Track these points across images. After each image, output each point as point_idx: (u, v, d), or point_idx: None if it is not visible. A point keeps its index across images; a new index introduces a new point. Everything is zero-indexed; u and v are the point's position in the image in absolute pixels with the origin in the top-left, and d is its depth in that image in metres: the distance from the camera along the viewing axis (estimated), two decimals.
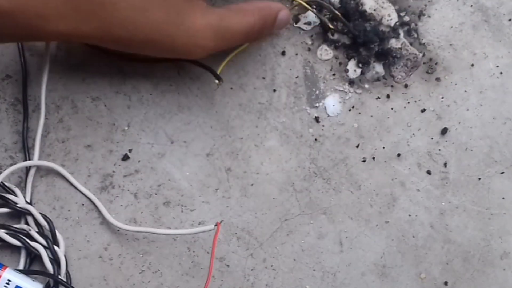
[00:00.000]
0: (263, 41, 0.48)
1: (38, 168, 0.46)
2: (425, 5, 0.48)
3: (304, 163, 0.47)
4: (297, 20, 0.48)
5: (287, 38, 0.48)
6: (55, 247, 0.44)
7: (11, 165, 0.45)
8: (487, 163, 0.47)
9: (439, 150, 0.47)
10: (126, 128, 0.47)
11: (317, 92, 0.47)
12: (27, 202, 0.44)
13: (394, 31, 0.48)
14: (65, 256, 0.44)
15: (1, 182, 0.45)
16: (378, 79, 0.48)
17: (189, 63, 0.47)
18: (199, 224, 0.46)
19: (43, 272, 0.43)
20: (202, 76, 0.47)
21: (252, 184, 0.46)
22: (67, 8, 0.37)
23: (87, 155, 0.46)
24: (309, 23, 0.48)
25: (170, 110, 0.47)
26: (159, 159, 0.46)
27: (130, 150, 0.46)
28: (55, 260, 0.43)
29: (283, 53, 0.48)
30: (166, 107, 0.47)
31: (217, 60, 0.46)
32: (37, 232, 0.44)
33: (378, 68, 0.48)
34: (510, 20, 0.49)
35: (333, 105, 0.47)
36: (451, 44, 0.48)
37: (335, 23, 0.48)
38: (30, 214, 0.44)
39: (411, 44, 0.48)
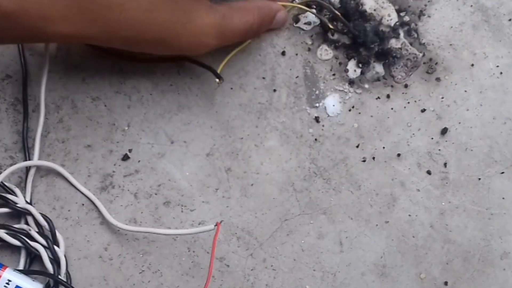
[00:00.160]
0: (262, 40, 0.48)
1: (38, 168, 0.46)
2: (425, 5, 0.48)
3: (304, 163, 0.47)
4: (297, 20, 0.48)
5: (287, 38, 0.48)
6: (55, 247, 0.44)
7: (11, 165, 0.45)
8: (487, 163, 0.47)
9: (439, 150, 0.47)
10: (126, 128, 0.47)
11: (317, 92, 0.47)
12: (27, 202, 0.44)
13: (394, 31, 0.48)
14: (65, 256, 0.44)
15: (1, 182, 0.45)
16: (378, 79, 0.48)
17: (189, 63, 0.47)
18: (199, 224, 0.46)
19: (43, 272, 0.43)
20: (202, 75, 0.47)
21: (252, 184, 0.46)
22: (72, 10, 0.36)
23: (87, 155, 0.46)
24: (309, 23, 0.48)
25: (170, 110, 0.47)
26: (159, 159, 0.46)
27: (130, 150, 0.46)
28: (55, 260, 0.43)
29: (283, 53, 0.48)
30: (166, 107, 0.47)
31: (217, 59, 0.46)
32: (37, 232, 0.44)
33: (378, 68, 0.48)
34: (510, 20, 0.49)
35: (333, 105, 0.47)
36: (451, 44, 0.48)
37: (335, 23, 0.48)
38: (30, 214, 0.44)
39: (411, 44, 0.48)
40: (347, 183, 0.46)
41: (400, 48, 0.48)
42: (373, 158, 0.47)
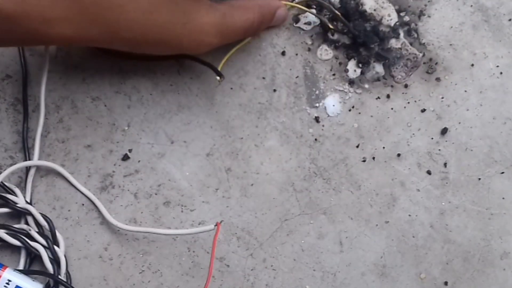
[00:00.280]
0: (262, 40, 0.48)
1: (38, 168, 0.46)
2: (425, 5, 0.48)
3: (304, 163, 0.47)
4: (297, 20, 0.48)
5: (287, 38, 0.48)
6: (55, 247, 0.44)
7: (11, 165, 0.45)
8: (487, 163, 0.47)
9: (439, 150, 0.47)
10: (126, 128, 0.47)
11: (317, 92, 0.47)
12: (27, 202, 0.44)
13: (394, 31, 0.48)
14: (65, 256, 0.44)
15: (1, 182, 0.45)
16: (378, 79, 0.48)
17: (189, 60, 0.47)
18: (199, 224, 0.46)
19: (43, 272, 0.43)
20: (202, 75, 0.47)
21: (252, 184, 0.46)
22: (73, 12, 0.36)
23: (87, 155, 0.46)
24: (309, 23, 0.48)
25: (170, 110, 0.47)
26: (159, 159, 0.46)
27: (130, 150, 0.46)
28: (55, 260, 0.43)
29: (283, 53, 0.48)
30: (166, 107, 0.47)
31: (218, 57, 0.46)
32: (37, 232, 0.44)
33: (378, 68, 0.48)
34: (510, 20, 0.49)
35: (333, 105, 0.47)
36: (451, 44, 0.48)
37: (335, 23, 0.48)
38: (30, 214, 0.44)
39: (411, 44, 0.48)
40: (347, 183, 0.46)
41: (400, 48, 0.48)
42: (373, 158, 0.47)
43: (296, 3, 0.47)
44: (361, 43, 0.47)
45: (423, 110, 0.47)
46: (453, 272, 0.46)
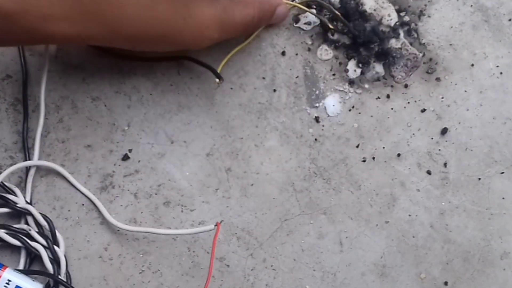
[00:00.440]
0: (262, 40, 0.48)
1: (38, 168, 0.46)
2: (425, 5, 0.48)
3: (304, 163, 0.47)
4: (297, 20, 0.48)
5: (287, 38, 0.48)
6: (55, 247, 0.44)
7: (11, 165, 0.45)
8: (487, 163, 0.47)
9: (439, 150, 0.47)
10: (126, 128, 0.47)
11: (317, 92, 0.47)
12: (27, 202, 0.44)
13: (394, 31, 0.48)
14: (65, 256, 0.44)
15: (1, 182, 0.45)
16: (378, 79, 0.48)
17: (190, 62, 0.47)
18: (199, 224, 0.46)
19: (43, 272, 0.43)
20: (202, 75, 0.47)
21: (252, 184, 0.46)
22: (73, 9, 0.36)
23: (87, 155, 0.46)
24: (309, 23, 0.48)
25: (170, 110, 0.47)
26: (159, 159, 0.46)
27: (130, 150, 0.46)
28: (55, 260, 0.43)
29: (283, 53, 0.48)
30: (166, 107, 0.47)
31: (217, 59, 0.46)
32: (37, 232, 0.44)
33: (378, 68, 0.48)
34: (510, 20, 0.49)
35: (333, 105, 0.47)
36: (451, 44, 0.48)
37: (335, 23, 0.48)
38: (30, 214, 0.44)
39: (411, 44, 0.48)
40: (347, 183, 0.46)
41: (400, 48, 0.48)
42: (373, 158, 0.47)
43: (297, 3, 0.47)
44: (361, 43, 0.47)
45: (423, 110, 0.47)
46: (453, 272, 0.46)
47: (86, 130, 0.46)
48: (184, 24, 0.40)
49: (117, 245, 0.45)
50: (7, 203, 0.44)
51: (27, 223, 0.45)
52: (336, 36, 0.48)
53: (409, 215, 0.46)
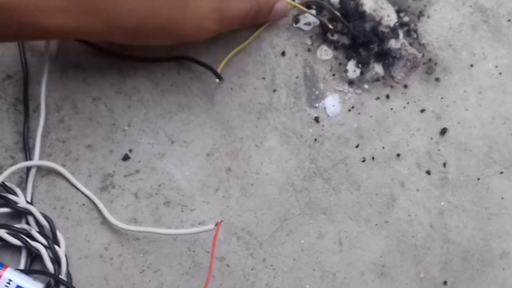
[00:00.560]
0: (262, 41, 0.48)
1: (39, 168, 0.46)
2: (425, 6, 0.49)
3: (304, 163, 0.47)
4: (297, 20, 0.48)
5: (287, 39, 0.48)
6: (56, 247, 0.44)
7: (12, 165, 0.45)
8: (486, 163, 0.47)
9: (439, 150, 0.47)
10: (127, 128, 0.47)
11: (317, 92, 0.47)
12: (27, 202, 0.44)
13: (393, 31, 0.48)
14: (65, 255, 0.44)
15: (2, 182, 0.45)
16: (377, 80, 0.48)
17: (190, 62, 0.47)
18: (199, 224, 0.46)
19: (44, 272, 0.43)
20: (202, 76, 0.47)
21: (252, 184, 0.46)
22: (69, 2, 0.36)
23: (88, 155, 0.46)
24: (309, 24, 0.48)
25: (170, 110, 0.47)
26: (159, 159, 0.46)
27: (130, 150, 0.46)
28: (55, 260, 0.43)
29: (283, 54, 0.48)
30: (166, 107, 0.47)
31: (217, 59, 0.46)
32: (37, 232, 0.44)
33: (378, 68, 0.48)
34: (509, 20, 0.49)
35: (333, 105, 0.47)
36: (450, 45, 0.48)
37: (334, 23, 0.48)
38: (31, 214, 0.44)
39: (410, 44, 0.48)
40: (347, 183, 0.46)
41: (400, 49, 0.48)
42: (373, 158, 0.47)
43: (297, 3, 0.47)
44: (361, 43, 0.47)
45: (423, 110, 0.47)
46: (452, 271, 0.46)
47: (86, 130, 0.46)
48: (182, 16, 0.40)
49: (118, 245, 0.45)
50: (8, 203, 0.44)
51: (27, 223, 0.45)
52: (335, 37, 0.48)
53: (409, 215, 0.46)
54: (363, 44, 0.47)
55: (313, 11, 0.48)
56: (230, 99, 0.47)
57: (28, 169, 0.45)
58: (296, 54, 0.48)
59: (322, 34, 0.48)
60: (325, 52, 0.48)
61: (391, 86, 0.48)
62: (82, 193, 0.46)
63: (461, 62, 0.48)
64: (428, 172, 0.47)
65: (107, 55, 0.47)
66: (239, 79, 0.47)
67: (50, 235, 0.44)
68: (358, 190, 0.46)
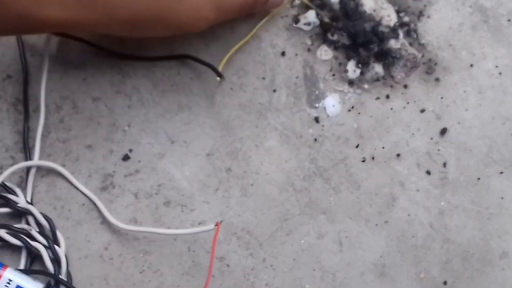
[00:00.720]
0: (262, 41, 0.48)
1: (39, 168, 0.46)
2: (425, 6, 0.49)
3: (304, 163, 0.47)
4: (296, 20, 0.48)
5: (287, 39, 0.48)
6: (56, 247, 0.44)
7: (12, 165, 0.45)
8: (486, 163, 0.47)
9: (439, 150, 0.47)
10: (127, 128, 0.47)
11: (316, 92, 0.47)
12: (28, 202, 0.44)
13: (393, 31, 0.48)
14: (65, 255, 0.44)
15: (2, 182, 0.45)
16: (377, 80, 0.48)
17: (190, 62, 0.47)
18: (199, 224, 0.46)
19: (44, 272, 0.43)
20: (202, 75, 0.47)
21: (252, 184, 0.46)
22: None
23: (88, 155, 0.46)
24: (309, 24, 0.48)
25: (170, 110, 0.47)
26: (159, 159, 0.46)
27: (130, 150, 0.46)
28: (55, 260, 0.43)
29: (283, 54, 0.48)
30: (166, 107, 0.47)
31: (217, 58, 0.46)
32: (37, 231, 0.44)
33: (378, 68, 0.48)
34: (509, 20, 0.49)
35: (333, 105, 0.47)
36: (450, 45, 0.48)
37: (335, 23, 0.48)
38: (31, 214, 0.44)
39: (410, 44, 0.48)
40: (347, 183, 0.46)
41: (400, 49, 0.48)
42: (373, 158, 0.47)
43: None
44: (361, 43, 0.47)
45: (423, 110, 0.47)
46: (452, 271, 0.46)
47: (86, 130, 0.46)
48: (180, 5, 0.39)
49: (118, 245, 0.45)
50: (8, 203, 0.44)
51: (28, 223, 0.45)
52: (335, 37, 0.48)
53: (409, 215, 0.46)
54: (363, 44, 0.47)
55: (313, 11, 0.48)
56: (230, 99, 0.47)
57: (28, 169, 0.45)
58: (296, 54, 0.48)
59: (322, 34, 0.48)
60: (325, 52, 0.48)
61: (391, 86, 0.48)
62: (82, 193, 0.46)
63: (461, 62, 0.48)
64: (428, 172, 0.47)
65: (107, 54, 0.47)
66: (239, 79, 0.47)
67: (50, 235, 0.44)
68: (358, 190, 0.46)
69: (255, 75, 0.47)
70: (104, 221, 0.45)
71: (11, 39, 0.47)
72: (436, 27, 0.48)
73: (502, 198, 0.47)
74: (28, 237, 0.44)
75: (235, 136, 0.47)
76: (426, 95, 0.48)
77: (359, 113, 0.47)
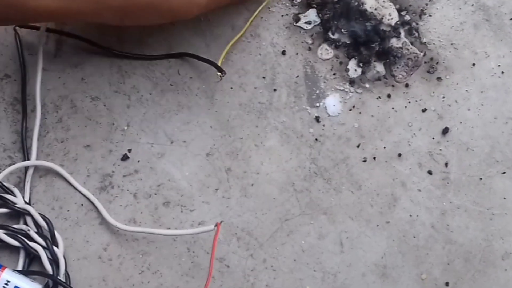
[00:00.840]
0: (262, 40, 0.48)
1: (37, 168, 0.45)
2: (426, 4, 0.48)
3: (305, 163, 0.46)
4: (297, 19, 0.48)
5: (287, 38, 0.48)
6: (54, 248, 0.44)
7: (10, 165, 0.45)
8: (488, 163, 0.47)
9: (440, 150, 0.47)
10: (126, 128, 0.46)
11: (317, 91, 0.47)
12: (26, 202, 0.44)
13: (395, 30, 0.48)
14: (64, 256, 0.44)
15: (0, 182, 0.44)
16: (379, 79, 0.47)
17: (189, 62, 0.47)
18: (199, 224, 0.46)
19: (42, 273, 0.43)
20: (202, 75, 0.47)
21: (252, 184, 0.46)
22: None
23: (86, 155, 0.46)
24: (309, 23, 0.48)
25: (169, 109, 0.47)
26: (158, 159, 0.46)
27: (129, 150, 0.46)
28: (54, 261, 0.43)
29: (283, 53, 0.47)
30: (165, 106, 0.47)
31: (218, 58, 0.46)
32: (36, 232, 0.44)
33: (379, 67, 0.47)
34: (511, 19, 0.48)
35: (334, 105, 0.47)
36: (452, 44, 0.48)
37: (335, 22, 0.47)
38: (29, 214, 0.44)
39: (412, 43, 0.48)
40: (348, 183, 0.46)
41: (401, 48, 0.48)
42: (374, 158, 0.47)
43: None
44: (362, 42, 0.47)
45: (424, 110, 0.47)
46: (454, 272, 0.46)
47: (85, 130, 0.46)
48: None
49: (117, 246, 0.45)
50: (6, 203, 0.44)
51: (26, 223, 0.44)
52: (336, 36, 0.48)
53: (410, 216, 0.46)
54: (364, 43, 0.47)
55: (314, 9, 0.48)
56: (230, 98, 0.47)
57: (26, 169, 0.45)
58: (297, 53, 0.48)
59: (322, 33, 0.48)
60: (325, 51, 0.48)
61: (393, 86, 0.47)
62: (81, 193, 0.45)
63: (463, 61, 0.48)
64: (430, 172, 0.46)
65: (106, 53, 0.46)
66: (239, 79, 0.47)
67: (49, 236, 0.44)
68: (359, 190, 0.46)
69: (255, 74, 0.47)
70: (103, 221, 0.45)
71: (9, 39, 0.47)
72: (438, 26, 0.48)
73: (504, 198, 0.46)
74: (26, 237, 0.43)
75: (235, 136, 0.47)
76: (428, 94, 0.47)
77: (360, 113, 0.47)
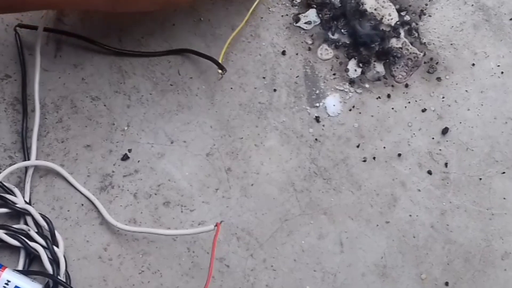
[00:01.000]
0: (262, 40, 0.48)
1: (38, 168, 0.45)
2: (426, 5, 0.48)
3: (305, 163, 0.46)
4: (297, 19, 0.48)
5: (287, 38, 0.48)
6: (55, 248, 0.44)
7: (10, 165, 0.45)
8: (488, 163, 0.47)
9: (440, 150, 0.47)
10: (126, 128, 0.46)
11: (317, 91, 0.47)
12: (26, 202, 0.44)
13: (394, 30, 0.48)
14: (64, 256, 0.44)
15: (0, 182, 0.44)
16: (378, 79, 0.47)
17: (189, 62, 0.47)
18: (199, 224, 0.46)
19: (43, 273, 0.43)
20: (202, 75, 0.47)
21: (252, 184, 0.46)
22: None
23: (87, 155, 0.46)
24: (309, 23, 0.48)
25: (170, 109, 0.47)
26: (158, 159, 0.46)
27: (129, 150, 0.46)
28: (54, 261, 0.43)
29: (283, 53, 0.48)
30: (165, 106, 0.47)
31: (218, 57, 0.46)
32: (36, 232, 0.44)
33: (379, 67, 0.47)
34: (511, 19, 0.48)
35: (334, 105, 0.47)
36: (452, 44, 0.48)
37: (335, 22, 0.47)
38: (29, 214, 0.44)
39: (411, 43, 0.48)
40: (348, 183, 0.46)
41: (401, 48, 0.48)
42: (374, 158, 0.47)
43: None
44: (362, 42, 0.47)
45: (424, 110, 0.47)
46: (454, 272, 0.46)
47: (85, 130, 0.46)
48: None
49: (117, 246, 0.45)
50: (6, 203, 0.44)
51: (26, 223, 0.44)
52: (336, 36, 0.48)
53: (410, 215, 0.46)
54: (364, 43, 0.47)
55: (314, 10, 0.48)
56: (230, 98, 0.47)
57: (26, 169, 0.45)
58: (297, 53, 0.48)
59: (322, 33, 0.48)
60: (325, 51, 0.48)
61: (392, 86, 0.47)
62: (81, 193, 0.45)
63: (462, 61, 0.48)
64: (430, 172, 0.46)
65: (106, 52, 0.46)
66: (239, 79, 0.47)
67: (49, 236, 0.44)
68: (359, 190, 0.46)
69: (255, 74, 0.47)
70: (103, 221, 0.45)
71: (9, 39, 0.47)
72: (437, 26, 0.48)
73: (504, 198, 0.46)
74: (26, 237, 0.43)
75: (235, 136, 0.47)
76: (428, 94, 0.47)
77: (360, 113, 0.47)
